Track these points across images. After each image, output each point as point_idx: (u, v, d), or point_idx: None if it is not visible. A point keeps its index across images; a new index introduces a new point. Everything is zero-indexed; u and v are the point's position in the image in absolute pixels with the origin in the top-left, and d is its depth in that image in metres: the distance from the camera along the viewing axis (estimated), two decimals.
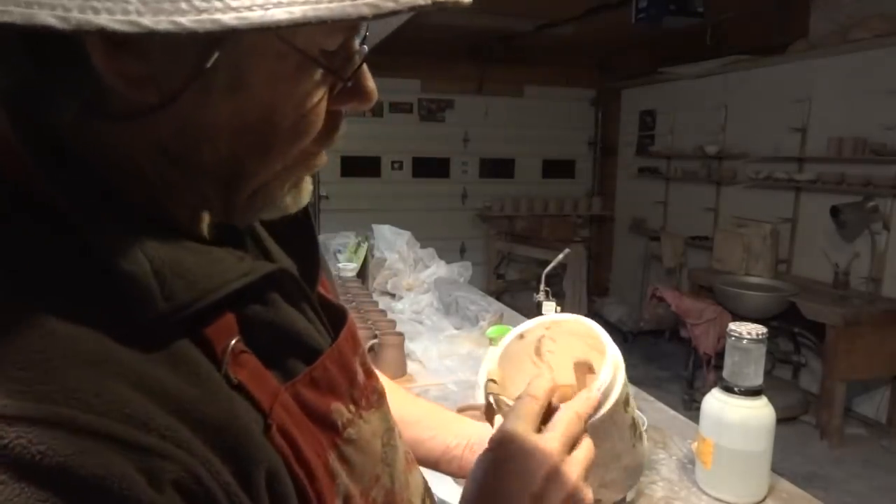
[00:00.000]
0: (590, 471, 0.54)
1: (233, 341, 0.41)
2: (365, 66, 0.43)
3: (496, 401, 0.57)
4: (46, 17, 0.29)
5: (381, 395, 0.54)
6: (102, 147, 0.39)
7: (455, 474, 0.77)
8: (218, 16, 0.30)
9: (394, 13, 0.33)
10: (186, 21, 0.30)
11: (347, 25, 0.40)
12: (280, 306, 0.45)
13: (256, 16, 0.31)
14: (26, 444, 0.29)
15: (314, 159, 0.45)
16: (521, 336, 0.64)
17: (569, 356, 0.63)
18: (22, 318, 0.33)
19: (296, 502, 0.41)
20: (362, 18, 0.32)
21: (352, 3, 0.32)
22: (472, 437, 0.75)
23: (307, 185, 0.47)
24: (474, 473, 0.54)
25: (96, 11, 0.29)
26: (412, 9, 0.33)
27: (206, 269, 0.40)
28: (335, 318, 0.52)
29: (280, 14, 0.31)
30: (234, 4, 0.30)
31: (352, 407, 0.49)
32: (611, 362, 0.57)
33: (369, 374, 0.53)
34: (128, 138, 0.39)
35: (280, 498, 0.40)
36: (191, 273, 0.39)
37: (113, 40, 0.34)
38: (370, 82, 0.44)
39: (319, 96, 0.41)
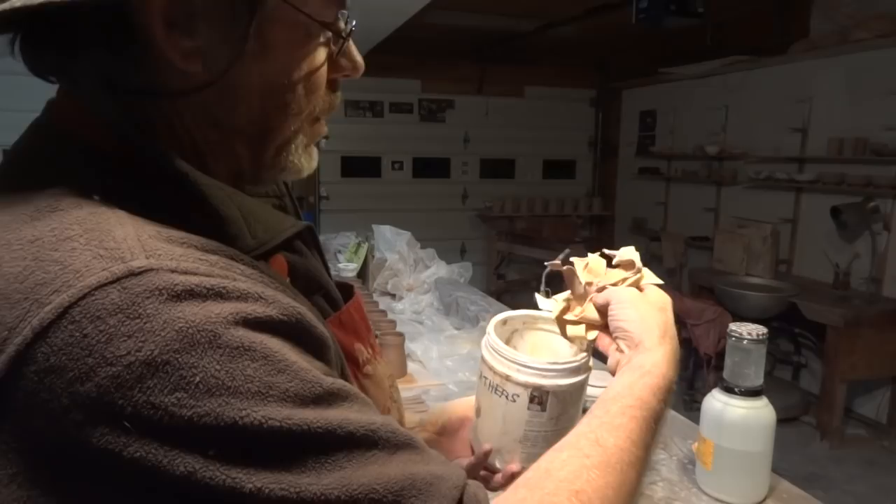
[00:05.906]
0: None
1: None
2: (352, 42, 0.53)
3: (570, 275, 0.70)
4: None
5: (381, 349, 0.66)
6: (163, 120, 0.47)
7: None
8: None
9: None
10: None
11: None
12: (309, 256, 0.57)
13: None
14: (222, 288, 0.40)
15: (319, 125, 0.54)
16: (504, 322, 0.75)
17: (530, 344, 0.77)
18: (179, 236, 0.42)
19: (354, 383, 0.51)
20: None
21: None
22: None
23: (315, 152, 0.56)
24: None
25: None
26: None
27: (270, 217, 0.51)
28: (343, 287, 0.63)
29: None
30: None
31: (369, 349, 0.60)
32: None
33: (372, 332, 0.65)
34: (182, 109, 0.47)
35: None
36: (264, 219, 0.50)
37: (167, 20, 0.43)
38: (357, 55, 0.54)
39: (322, 60, 0.50)
